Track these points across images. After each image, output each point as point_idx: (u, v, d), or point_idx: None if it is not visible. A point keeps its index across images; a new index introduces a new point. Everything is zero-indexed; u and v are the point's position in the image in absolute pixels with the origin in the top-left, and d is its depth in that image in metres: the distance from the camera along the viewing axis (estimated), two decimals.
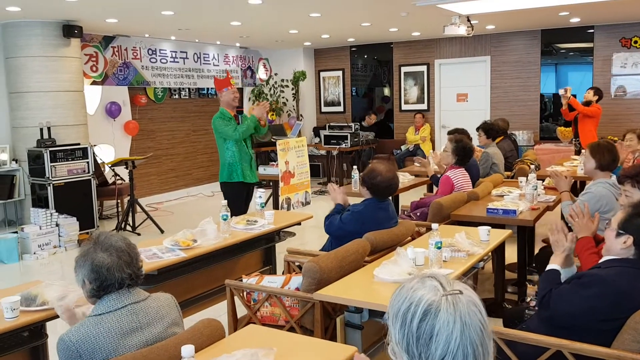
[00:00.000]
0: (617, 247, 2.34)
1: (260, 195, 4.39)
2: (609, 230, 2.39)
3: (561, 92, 7.68)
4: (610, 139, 8.55)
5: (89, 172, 7.05)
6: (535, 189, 4.64)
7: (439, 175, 5.40)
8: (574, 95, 8.01)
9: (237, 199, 5.31)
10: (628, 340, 2.12)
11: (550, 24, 9.18)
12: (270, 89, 11.25)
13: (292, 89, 11.20)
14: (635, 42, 8.96)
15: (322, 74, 11.72)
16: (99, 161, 7.67)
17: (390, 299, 1.23)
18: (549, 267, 2.58)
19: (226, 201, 3.91)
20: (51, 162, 6.69)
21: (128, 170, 7.25)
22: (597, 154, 3.87)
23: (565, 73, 9.80)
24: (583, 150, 4.11)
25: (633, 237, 2.29)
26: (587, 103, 7.65)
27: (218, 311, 3.79)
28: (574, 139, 7.94)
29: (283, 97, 11.31)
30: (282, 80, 11.26)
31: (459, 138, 5.20)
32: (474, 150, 5.35)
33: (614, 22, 9.00)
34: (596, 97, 7.67)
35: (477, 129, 6.57)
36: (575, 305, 2.27)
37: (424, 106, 10.77)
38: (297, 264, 3.67)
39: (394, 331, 1.18)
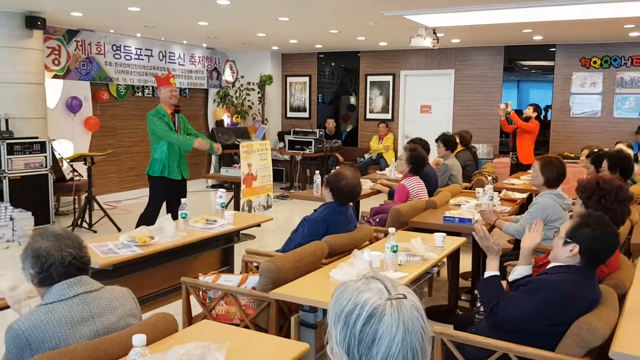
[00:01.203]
0: (563, 254, 2.42)
1: (220, 195, 4.38)
2: (557, 238, 2.47)
3: (502, 106, 7.92)
4: (567, 155, 8.88)
5: (46, 167, 6.89)
6: (492, 200, 4.77)
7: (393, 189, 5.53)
8: (515, 110, 8.24)
9: (159, 194, 5.56)
10: (571, 345, 2.19)
11: (514, 41, 9.43)
12: (236, 91, 11.22)
13: (258, 93, 11.19)
14: (595, 62, 9.28)
15: (289, 79, 11.76)
16: (57, 156, 7.50)
17: (332, 297, 1.21)
18: (487, 274, 2.65)
19: (186, 199, 3.89)
20: (8, 154, 6.54)
21: (87, 167, 7.11)
22: (545, 171, 4.03)
23: (527, 90, 10.07)
24: (534, 165, 4.27)
25: (579, 246, 2.37)
26: (527, 119, 7.90)
27: (174, 310, 3.75)
28: (511, 153, 8.19)
29: (249, 101, 11.29)
30: (249, 84, 11.25)
31: (413, 147, 5.32)
32: (427, 159, 5.45)
33: (575, 42, 9.31)
34: (535, 114, 7.94)
35: (436, 141, 6.69)
36: (523, 311, 2.34)
37: (388, 116, 10.91)
38: (255, 264, 3.67)
39: (335, 331, 1.17)
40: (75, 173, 7.52)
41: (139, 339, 1.63)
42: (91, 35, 8.53)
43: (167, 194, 5.54)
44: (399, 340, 1.12)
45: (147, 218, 5.26)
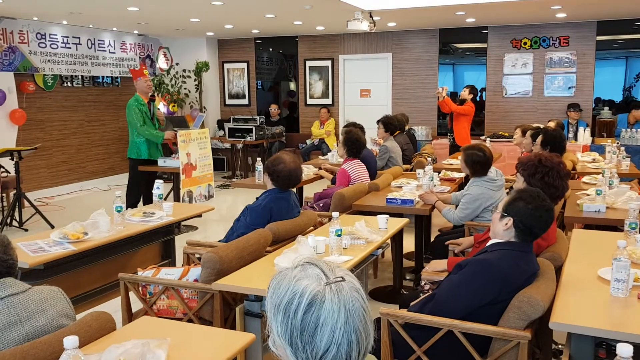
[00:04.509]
0: (500, 229, 2.47)
1: (158, 186, 4.23)
2: (495, 213, 2.53)
3: (439, 90, 8.07)
4: (501, 134, 9.13)
5: None
6: (432, 180, 4.83)
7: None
8: (452, 92, 8.39)
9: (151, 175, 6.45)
10: (513, 318, 2.24)
11: (448, 24, 9.57)
12: (172, 79, 10.91)
13: (195, 80, 10.92)
14: (525, 43, 9.54)
15: (226, 66, 11.53)
16: None
17: (269, 288, 1.17)
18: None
19: (120, 192, 3.73)
20: None
21: (14, 162, 6.74)
22: (469, 164, 4.17)
23: (462, 72, 10.26)
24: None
25: (513, 219, 2.43)
26: (462, 101, 8.06)
27: (113, 308, 3.61)
28: (449, 134, 8.36)
29: (185, 88, 11.00)
30: (184, 71, 10.95)
31: (348, 130, 5.31)
32: (364, 140, 5.44)
33: (506, 24, 9.54)
34: (471, 96, 8.09)
35: (377, 122, 6.73)
36: (466, 299, 2.33)
37: (328, 101, 10.89)
38: (197, 256, 3.57)
39: (276, 324, 1.14)
40: (2, 169, 7.13)
41: (70, 341, 1.52)
42: (13, 24, 8.06)
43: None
44: (342, 324, 1.10)
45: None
